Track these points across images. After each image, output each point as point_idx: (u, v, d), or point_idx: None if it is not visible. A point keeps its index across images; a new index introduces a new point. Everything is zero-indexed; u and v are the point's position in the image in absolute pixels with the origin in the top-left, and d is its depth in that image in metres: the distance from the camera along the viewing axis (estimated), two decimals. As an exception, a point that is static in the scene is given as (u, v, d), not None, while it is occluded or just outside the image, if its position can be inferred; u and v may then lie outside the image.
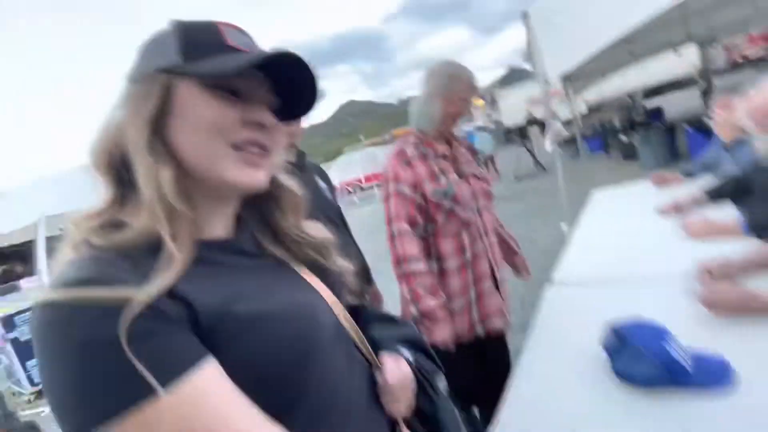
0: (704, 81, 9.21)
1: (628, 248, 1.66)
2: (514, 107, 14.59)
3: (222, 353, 0.39)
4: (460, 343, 1.34)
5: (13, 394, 4.45)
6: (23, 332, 4.31)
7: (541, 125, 12.52)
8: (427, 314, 1.26)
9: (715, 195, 1.88)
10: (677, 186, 2.34)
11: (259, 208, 0.56)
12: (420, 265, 1.30)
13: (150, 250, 0.40)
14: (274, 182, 0.54)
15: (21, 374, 4.32)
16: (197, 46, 0.45)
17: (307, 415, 0.45)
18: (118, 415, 0.33)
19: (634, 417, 0.82)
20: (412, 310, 1.29)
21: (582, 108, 14.14)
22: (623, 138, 7.58)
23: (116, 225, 0.42)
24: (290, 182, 0.58)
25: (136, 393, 0.34)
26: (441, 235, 1.36)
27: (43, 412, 3.80)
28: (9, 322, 4.33)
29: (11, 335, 4.32)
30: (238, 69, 0.42)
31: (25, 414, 3.73)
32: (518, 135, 13.32)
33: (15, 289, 18.18)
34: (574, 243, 1.95)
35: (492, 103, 26.79)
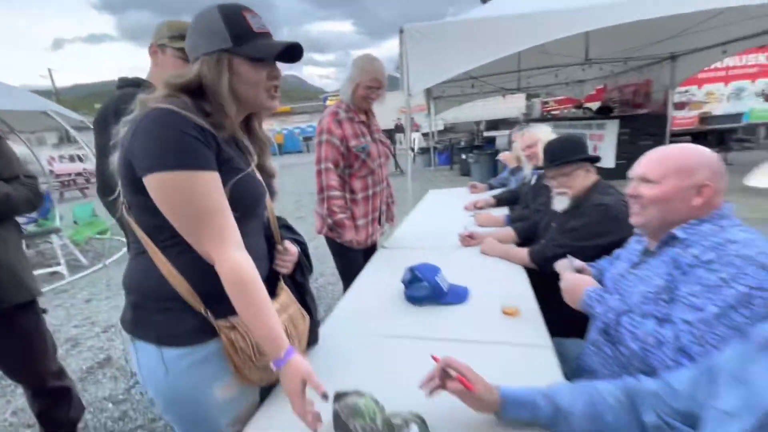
0: (524, 122, 11.86)
1: (438, 227, 2.28)
2: (386, 112, 15.76)
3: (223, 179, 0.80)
4: (360, 246, 1.93)
5: None
6: None
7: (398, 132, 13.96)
8: (339, 224, 1.83)
9: (499, 201, 2.68)
10: (482, 193, 3.17)
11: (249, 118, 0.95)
12: (337, 193, 1.81)
13: (214, 125, 0.81)
14: None
15: None
16: (239, 35, 0.80)
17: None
18: (175, 168, 0.73)
19: (415, 321, 1.28)
20: (329, 221, 1.83)
21: (440, 125, 16.34)
22: (464, 156, 9.17)
23: (198, 107, 0.80)
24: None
25: (186, 162, 0.74)
26: (355, 177, 1.86)
27: None
28: None
29: None
30: (272, 56, 0.82)
31: None
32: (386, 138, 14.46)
33: None
34: (404, 222, 2.51)
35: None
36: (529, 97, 17.71)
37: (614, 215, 1.42)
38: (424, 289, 1.35)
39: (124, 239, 5.78)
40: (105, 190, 1.10)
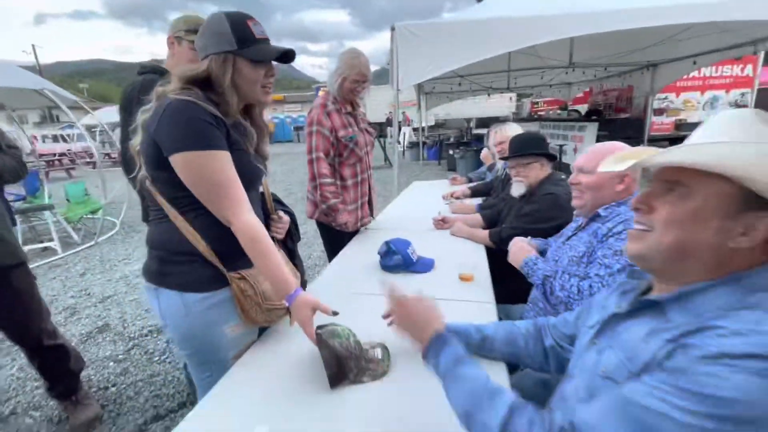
0: (501, 122, 12.15)
1: (417, 213, 2.52)
2: (378, 105, 15.64)
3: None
4: (349, 229, 2.10)
5: None
6: None
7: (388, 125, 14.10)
8: (333, 209, 1.97)
9: (474, 192, 2.94)
10: (461, 184, 3.42)
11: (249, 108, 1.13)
12: (328, 180, 1.95)
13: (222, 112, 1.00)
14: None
15: None
16: (243, 39, 0.98)
17: None
18: (197, 149, 0.93)
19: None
20: (323, 206, 1.98)
21: (431, 121, 16.54)
22: (451, 152, 9.43)
23: (207, 98, 0.98)
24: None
25: (205, 144, 0.94)
26: (344, 165, 2.02)
27: None
28: None
29: None
30: (269, 59, 1.02)
31: None
32: (377, 131, 14.60)
33: None
34: (387, 208, 2.75)
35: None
36: (520, 97, 18.10)
37: (561, 203, 1.68)
38: (397, 259, 1.59)
39: (116, 220, 5.86)
40: (128, 168, 1.27)
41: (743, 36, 4.99)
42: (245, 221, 0.98)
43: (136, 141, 1.00)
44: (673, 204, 0.60)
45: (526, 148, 1.85)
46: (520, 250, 1.43)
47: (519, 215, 1.79)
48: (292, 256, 1.33)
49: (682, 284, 0.60)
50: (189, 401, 1.92)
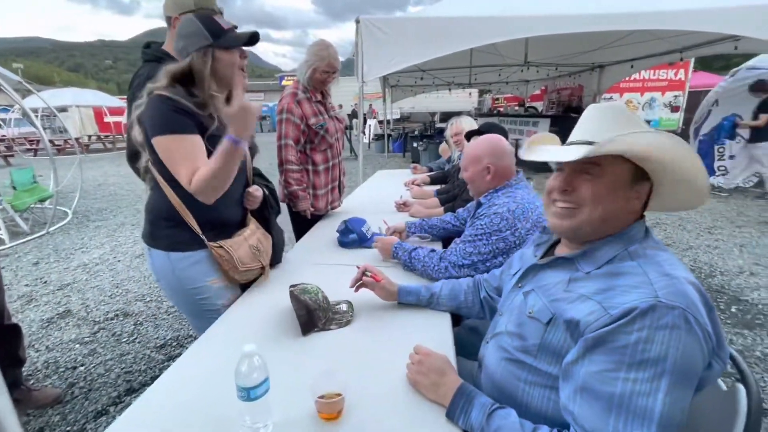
0: (474, 117, 12.64)
1: (380, 198, 2.71)
2: (344, 97, 15.61)
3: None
4: (320, 213, 2.22)
5: None
6: None
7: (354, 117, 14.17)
8: (293, 194, 2.07)
9: (433, 179, 3.16)
10: (422, 173, 3.64)
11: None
12: (294, 167, 2.03)
13: (199, 105, 1.14)
14: None
15: None
16: (216, 33, 1.13)
17: None
18: (170, 134, 1.10)
19: (343, 258, 1.69)
20: (285, 191, 2.08)
21: (396, 114, 16.77)
22: (415, 145, 9.70)
23: (188, 92, 1.14)
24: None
25: (179, 128, 1.11)
26: (316, 150, 2.11)
27: None
28: None
29: None
30: (240, 43, 1.18)
31: None
32: (345, 123, 14.60)
33: None
34: (352, 195, 2.92)
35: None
36: (481, 93, 18.72)
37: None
38: (353, 237, 1.77)
39: (68, 210, 5.60)
40: (131, 158, 1.36)
41: (673, 44, 5.56)
42: (196, 176, 1.10)
43: (134, 133, 1.16)
44: (593, 182, 0.74)
45: (492, 128, 2.17)
46: (385, 244, 1.59)
47: (466, 198, 2.02)
48: (268, 225, 1.47)
49: (584, 243, 0.80)
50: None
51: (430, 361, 0.88)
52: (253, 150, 1.38)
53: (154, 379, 2.05)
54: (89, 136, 16.05)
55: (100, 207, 6.03)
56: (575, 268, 0.78)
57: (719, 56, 6.43)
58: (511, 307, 0.89)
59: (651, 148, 0.69)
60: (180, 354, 1.08)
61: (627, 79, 8.65)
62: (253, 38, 1.19)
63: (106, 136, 16.11)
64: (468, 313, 1.21)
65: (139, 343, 2.33)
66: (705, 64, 13.28)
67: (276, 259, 1.51)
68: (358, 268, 1.25)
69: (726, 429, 0.67)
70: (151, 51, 1.47)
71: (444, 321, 1.17)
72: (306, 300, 1.10)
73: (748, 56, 6.37)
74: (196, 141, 1.12)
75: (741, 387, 0.69)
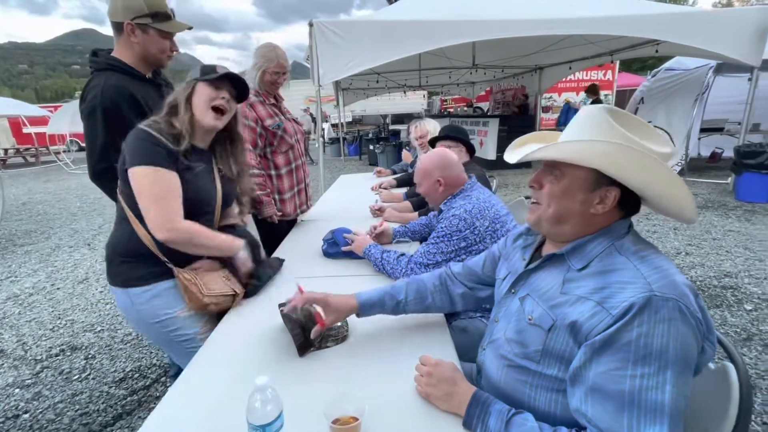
0: (419, 117, 12.93)
1: (349, 204, 2.67)
2: (294, 100, 15.35)
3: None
4: (287, 218, 2.15)
5: None
6: None
7: (314, 122, 13.98)
8: (257, 200, 1.98)
9: (399, 182, 3.18)
10: (386, 176, 3.65)
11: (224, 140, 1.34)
12: (255, 171, 1.96)
13: (176, 137, 1.17)
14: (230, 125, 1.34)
15: None
16: (205, 71, 1.22)
17: None
18: (144, 164, 1.10)
19: (329, 269, 1.64)
20: None
21: (348, 117, 16.71)
22: (371, 147, 9.73)
23: (169, 123, 1.18)
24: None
25: (153, 161, 1.11)
26: (277, 153, 2.05)
27: None
28: None
29: None
30: (217, 76, 1.20)
31: None
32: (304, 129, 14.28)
33: None
34: (319, 201, 2.85)
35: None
36: (430, 94, 19.20)
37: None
38: (336, 246, 1.72)
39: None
40: (99, 179, 1.39)
41: (603, 47, 6.07)
42: (179, 228, 1.13)
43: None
44: (552, 183, 0.79)
45: (453, 133, 2.26)
46: (359, 245, 1.63)
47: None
48: (256, 259, 1.42)
49: (567, 241, 0.82)
50: (126, 412, 1.82)
51: (440, 371, 0.86)
52: (230, 199, 1.40)
53: (116, 418, 1.90)
54: (6, 150, 14.33)
55: (28, 229, 5.39)
56: (567, 266, 0.80)
57: (637, 59, 7.16)
58: (508, 313, 0.89)
59: (583, 156, 0.73)
60: (144, 386, 0.98)
61: (564, 79, 9.30)
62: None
63: (27, 149, 14.44)
64: (438, 311, 1.20)
65: (93, 379, 2.10)
66: (626, 65, 14.63)
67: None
68: (299, 289, 1.09)
69: (722, 406, 0.72)
70: (102, 59, 1.37)
71: (441, 326, 1.16)
72: (299, 318, 1.05)
73: (664, 59, 7.14)
74: (170, 177, 1.13)
75: (730, 365, 0.75)
